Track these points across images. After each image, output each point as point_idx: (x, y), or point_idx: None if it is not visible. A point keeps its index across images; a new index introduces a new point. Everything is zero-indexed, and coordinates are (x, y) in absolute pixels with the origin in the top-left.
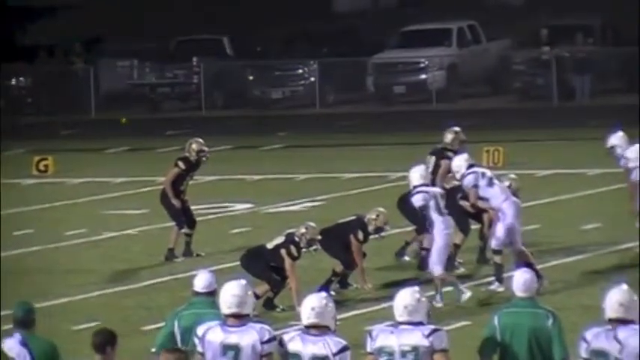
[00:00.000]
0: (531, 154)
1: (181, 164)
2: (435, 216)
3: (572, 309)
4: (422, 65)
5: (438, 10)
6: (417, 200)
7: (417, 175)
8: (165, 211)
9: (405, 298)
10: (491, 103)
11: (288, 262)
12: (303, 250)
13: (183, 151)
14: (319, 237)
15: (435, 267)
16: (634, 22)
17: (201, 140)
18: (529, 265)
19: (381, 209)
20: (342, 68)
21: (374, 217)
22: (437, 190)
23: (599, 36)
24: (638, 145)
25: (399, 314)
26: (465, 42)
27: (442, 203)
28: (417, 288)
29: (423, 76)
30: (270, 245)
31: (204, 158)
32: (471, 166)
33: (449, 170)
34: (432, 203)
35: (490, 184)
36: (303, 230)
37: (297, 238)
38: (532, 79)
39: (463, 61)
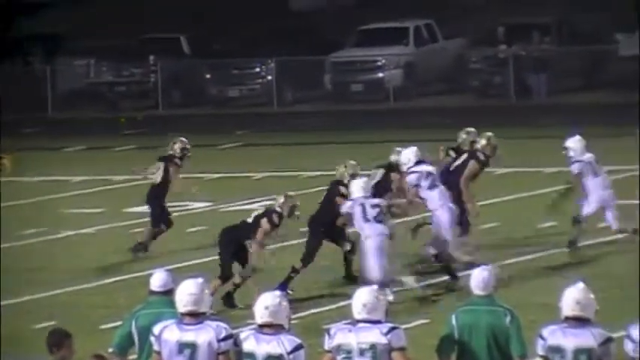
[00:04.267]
0: None
1: (178, 162)
2: (360, 224)
3: (530, 306)
4: (379, 64)
5: (395, 8)
6: (343, 209)
7: (357, 186)
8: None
9: (364, 296)
10: (449, 102)
11: (263, 228)
12: (285, 217)
13: (140, 149)
14: (298, 203)
15: (372, 273)
16: (590, 21)
17: (183, 139)
18: (448, 268)
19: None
20: (299, 67)
21: (282, 200)
22: (367, 200)
23: (555, 34)
24: None
25: (358, 312)
26: (422, 40)
27: (370, 211)
28: (375, 286)
29: (381, 75)
30: (249, 219)
31: (187, 155)
32: (418, 162)
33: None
34: (357, 210)
35: (432, 186)
36: (282, 200)
37: (278, 208)
38: (489, 77)
39: (420, 59)
